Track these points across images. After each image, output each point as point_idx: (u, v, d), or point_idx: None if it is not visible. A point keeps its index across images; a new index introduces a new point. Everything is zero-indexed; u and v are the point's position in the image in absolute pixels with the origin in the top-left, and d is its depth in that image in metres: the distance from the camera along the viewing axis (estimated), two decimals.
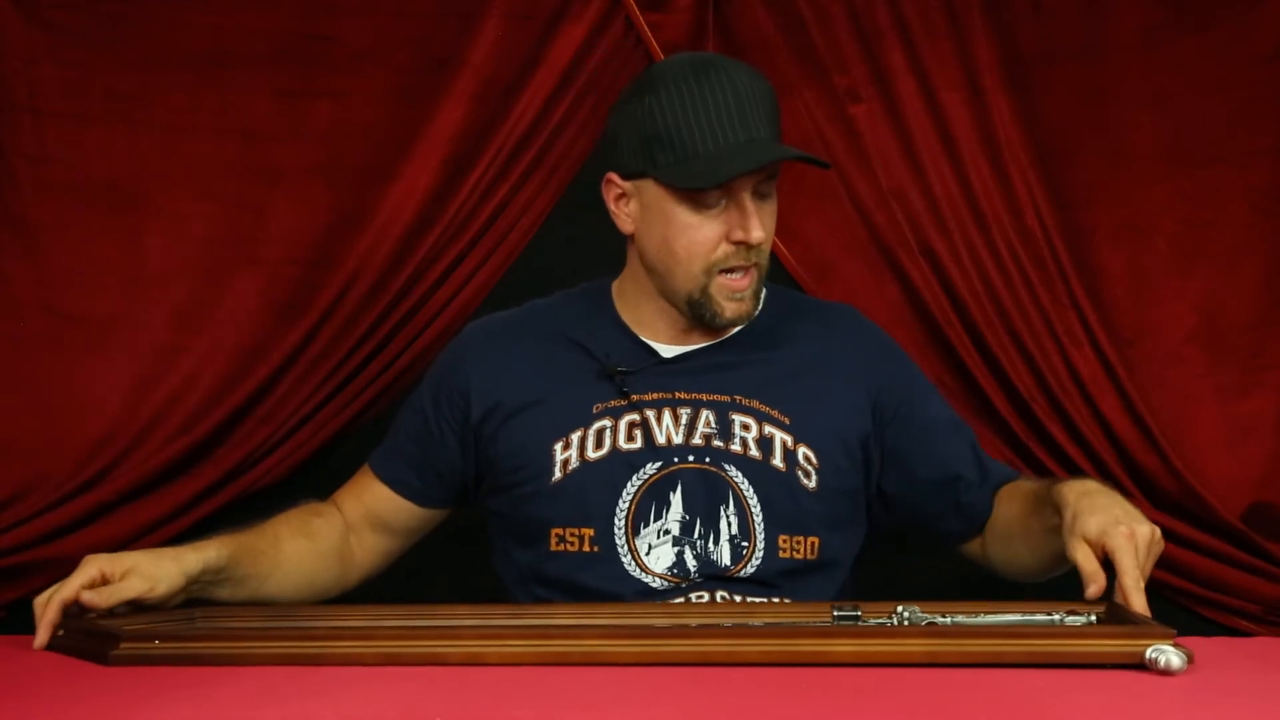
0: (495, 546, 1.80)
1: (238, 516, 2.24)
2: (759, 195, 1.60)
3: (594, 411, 1.64)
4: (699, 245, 1.59)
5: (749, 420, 1.62)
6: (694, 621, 1.37)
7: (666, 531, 1.56)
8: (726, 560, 1.57)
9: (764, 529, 1.59)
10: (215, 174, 2.23)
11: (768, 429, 1.62)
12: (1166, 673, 1.10)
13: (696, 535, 1.58)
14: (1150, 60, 2.28)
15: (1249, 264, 2.27)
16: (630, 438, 1.62)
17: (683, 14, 2.27)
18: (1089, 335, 2.25)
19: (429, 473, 1.78)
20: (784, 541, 1.60)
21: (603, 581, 1.58)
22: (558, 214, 2.31)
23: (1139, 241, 2.28)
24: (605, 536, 1.59)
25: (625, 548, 1.59)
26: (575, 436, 1.63)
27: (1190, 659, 1.12)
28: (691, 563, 1.58)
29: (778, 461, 1.61)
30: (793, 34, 2.27)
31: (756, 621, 1.34)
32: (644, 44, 2.27)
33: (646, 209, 1.63)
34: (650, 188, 1.61)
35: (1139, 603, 1.29)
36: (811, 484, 1.62)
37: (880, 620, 1.32)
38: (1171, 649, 1.11)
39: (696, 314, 1.63)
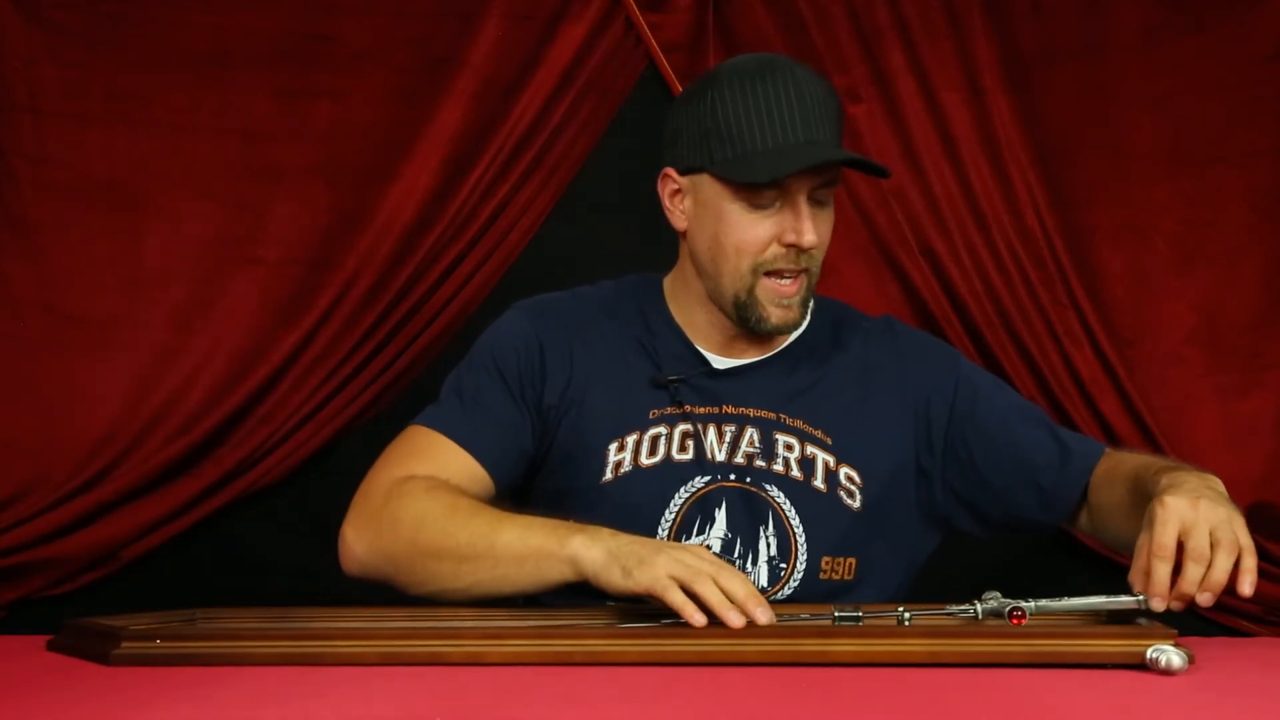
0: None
1: (238, 516, 2.25)
2: (816, 202, 1.56)
3: (650, 417, 1.61)
4: (749, 244, 1.55)
5: (792, 440, 1.60)
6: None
7: (707, 547, 1.53)
8: (764, 581, 1.55)
9: (807, 550, 1.56)
10: (215, 174, 2.23)
11: (810, 449, 1.60)
12: (1168, 673, 1.10)
13: (736, 555, 1.56)
14: (1150, 60, 2.28)
15: (1249, 264, 2.27)
16: (683, 448, 1.59)
17: (683, 14, 2.27)
18: (1089, 335, 2.25)
19: (515, 453, 1.62)
20: (827, 563, 1.57)
21: None
22: (558, 214, 2.31)
23: (1139, 241, 2.29)
24: None
25: None
26: (631, 439, 1.60)
27: (1191, 659, 1.12)
28: None
29: (819, 483, 1.58)
30: (793, 34, 2.28)
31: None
32: (644, 44, 2.27)
33: (700, 205, 1.59)
34: (706, 183, 1.57)
35: (1159, 572, 1.28)
36: (856, 504, 1.59)
37: (882, 620, 1.32)
38: (1172, 649, 1.11)
39: (742, 317, 1.59)
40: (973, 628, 1.29)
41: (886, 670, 1.13)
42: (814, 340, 1.67)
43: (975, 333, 2.26)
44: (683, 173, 1.60)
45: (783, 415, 1.61)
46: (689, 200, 1.61)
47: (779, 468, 1.58)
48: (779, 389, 1.63)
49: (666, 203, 1.63)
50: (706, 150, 1.55)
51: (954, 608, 1.31)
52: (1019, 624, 1.27)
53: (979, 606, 1.30)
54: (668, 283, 1.72)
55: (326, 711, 0.98)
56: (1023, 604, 1.28)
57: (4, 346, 2.17)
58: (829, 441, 1.60)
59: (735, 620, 1.26)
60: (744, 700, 1.02)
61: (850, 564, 1.58)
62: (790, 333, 1.62)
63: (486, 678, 1.10)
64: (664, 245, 2.16)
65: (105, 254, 2.20)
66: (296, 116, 2.24)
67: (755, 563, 1.56)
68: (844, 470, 1.59)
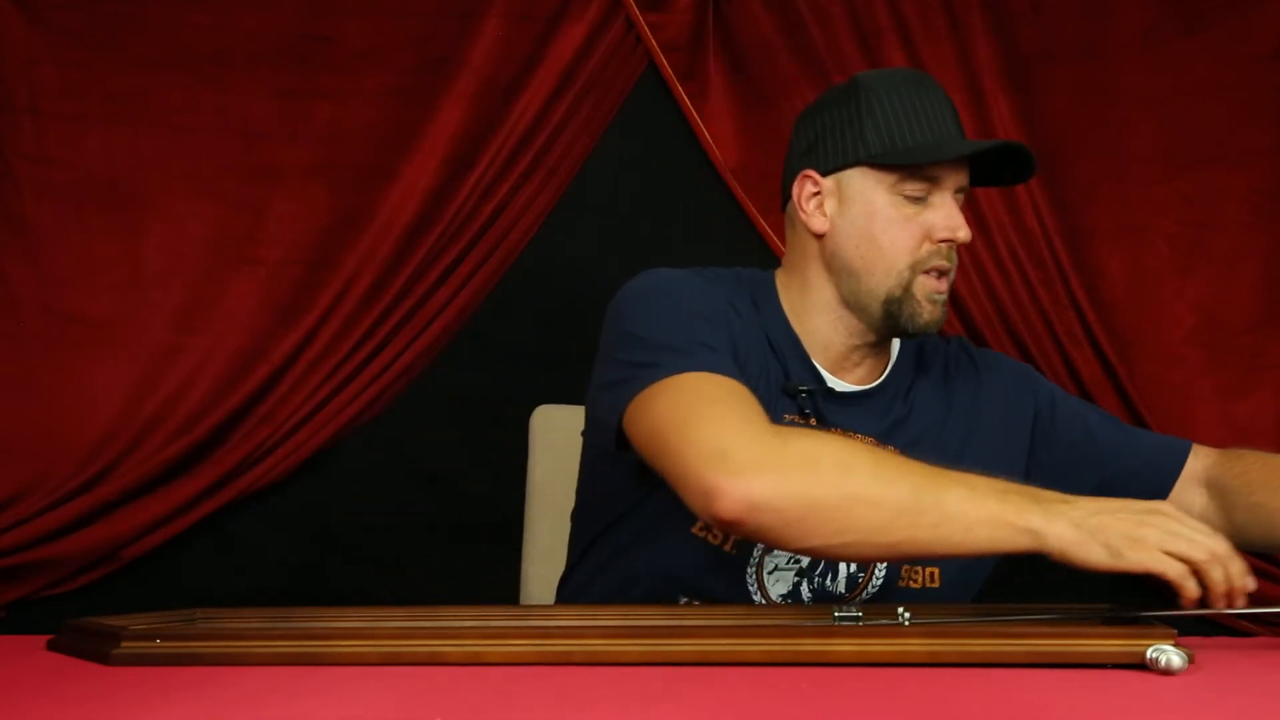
0: (607, 507, 1.61)
1: (238, 516, 2.25)
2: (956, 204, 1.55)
3: (784, 419, 1.55)
4: (906, 238, 1.52)
5: None
6: (694, 621, 1.37)
7: (796, 561, 1.50)
8: (842, 590, 1.54)
9: (886, 564, 1.54)
10: (215, 174, 2.23)
11: None
12: (1167, 673, 1.10)
13: (818, 571, 1.53)
14: (1150, 60, 2.28)
15: (1248, 264, 2.27)
16: None
17: (683, 14, 2.27)
18: (1089, 335, 2.25)
19: None
20: (905, 571, 1.55)
21: (715, 585, 1.52)
22: (558, 214, 2.31)
23: (1139, 242, 2.29)
24: (746, 545, 1.52)
25: (755, 561, 1.53)
26: None
27: (1191, 659, 1.12)
28: (806, 594, 1.54)
29: None
30: (793, 34, 2.28)
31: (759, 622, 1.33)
32: (644, 44, 2.27)
33: (849, 203, 1.55)
34: (856, 180, 1.54)
35: None
36: None
37: (882, 621, 1.32)
38: (1172, 649, 1.11)
39: (892, 315, 1.54)
40: (972, 628, 1.28)
41: (886, 670, 1.13)
42: (904, 366, 1.65)
43: (975, 333, 2.26)
44: (825, 174, 1.57)
45: (882, 443, 1.58)
46: (832, 201, 1.57)
47: None
48: (881, 419, 1.60)
49: (804, 207, 1.58)
50: (862, 145, 1.53)
51: (874, 621, 1.30)
52: None
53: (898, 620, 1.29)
54: (781, 288, 1.64)
55: (326, 711, 0.98)
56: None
57: (4, 346, 2.17)
58: None
59: (1242, 603, 1.20)
60: (744, 700, 1.02)
61: (933, 572, 1.56)
62: (935, 331, 1.59)
63: (486, 678, 1.10)
64: (664, 245, 2.16)
65: (105, 254, 2.20)
66: (296, 116, 2.24)
67: (834, 579, 1.54)
68: None
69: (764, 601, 1.54)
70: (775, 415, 1.52)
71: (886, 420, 1.60)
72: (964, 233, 1.53)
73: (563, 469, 1.93)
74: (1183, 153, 2.28)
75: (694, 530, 1.53)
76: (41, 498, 2.13)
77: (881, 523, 1.29)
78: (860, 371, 1.62)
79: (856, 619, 1.31)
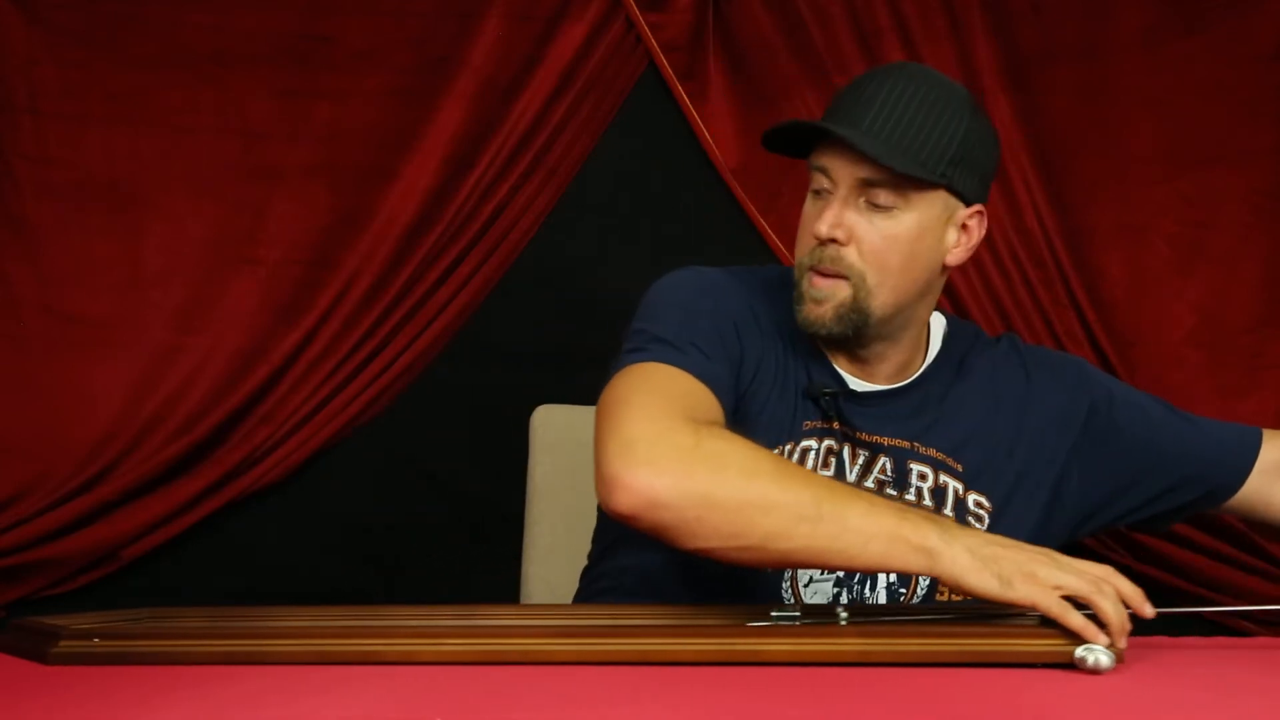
0: None
1: (238, 516, 2.25)
2: (872, 205, 1.44)
3: (804, 427, 1.50)
4: (803, 235, 1.48)
5: (926, 469, 1.52)
6: (631, 621, 1.33)
7: (834, 570, 1.47)
8: (881, 601, 1.50)
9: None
10: (215, 174, 2.23)
11: (943, 478, 1.52)
12: (1095, 672, 1.09)
13: (856, 580, 1.50)
14: (1150, 60, 2.28)
15: (1248, 264, 2.27)
16: (825, 466, 1.50)
17: (683, 14, 2.27)
18: (1089, 335, 2.25)
19: (729, 405, 1.45)
20: (944, 586, 1.54)
21: (748, 590, 1.48)
22: (558, 214, 2.31)
23: (1139, 242, 2.28)
24: None
25: (789, 571, 1.49)
26: (787, 448, 1.49)
27: (1119, 658, 1.11)
28: (844, 603, 1.50)
29: (948, 511, 1.50)
30: (793, 34, 2.28)
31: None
32: (644, 44, 2.27)
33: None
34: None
35: None
36: (983, 528, 1.50)
37: (821, 621, 1.29)
38: (1101, 649, 1.10)
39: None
40: (906, 627, 1.25)
41: (819, 670, 1.12)
42: (942, 367, 1.60)
43: None
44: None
45: (917, 445, 1.53)
46: None
47: (911, 497, 1.51)
48: (913, 420, 1.55)
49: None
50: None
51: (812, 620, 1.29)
52: None
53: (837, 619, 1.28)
54: None
55: (326, 711, 0.98)
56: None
57: (4, 346, 2.17)
58: (959, 469, 1.54)
59: (1124, 645, 1.17)
60: (745, 700, 1.02)
61: None
62: (815, 333, 1.51)
63: (486, 678, 1.10)
64: (664, 245, 2.15)
65: (105, 254, 2.20)
66: (296, 116, 2.24)
67: (874, 588, 1.50)
68: (972, 497, 1.53)
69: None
70: (797, 420, 1.50)
71: (918, 423, 1.54)
72: (822, 227, 1.44)
73: (563, 469, 1.93)
74: (1183, 153, 2.28)
75: None
76: (41, 498, 2.13)
77: (779, 529, 1.26)
78: (886, 369, 1.56)
79: (795, 618, 1.29)
